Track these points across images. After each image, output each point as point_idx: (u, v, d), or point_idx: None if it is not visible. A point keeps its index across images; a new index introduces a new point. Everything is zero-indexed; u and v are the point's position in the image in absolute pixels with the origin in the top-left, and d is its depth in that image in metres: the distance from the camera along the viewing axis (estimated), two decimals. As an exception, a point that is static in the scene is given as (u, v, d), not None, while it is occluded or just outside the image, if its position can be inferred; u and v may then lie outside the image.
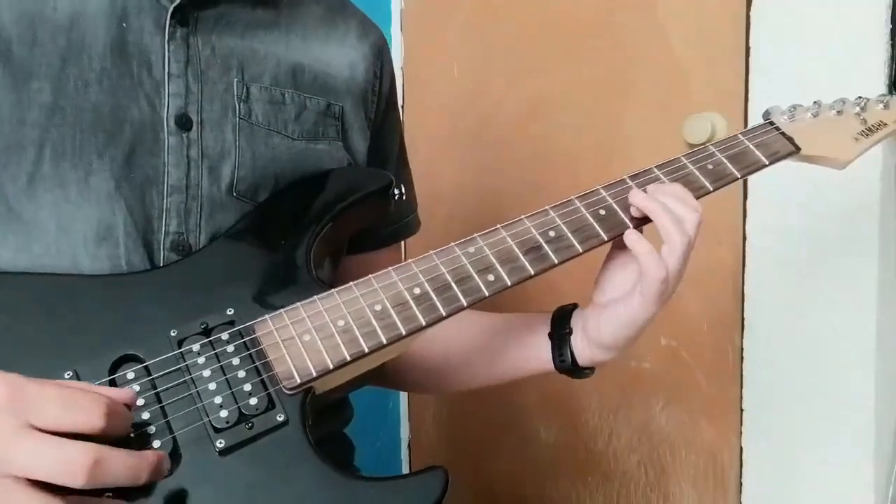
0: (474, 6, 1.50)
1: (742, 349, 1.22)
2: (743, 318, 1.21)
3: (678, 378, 1.30)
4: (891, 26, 1.05)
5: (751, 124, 0.92)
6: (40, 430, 0.45)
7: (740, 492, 1.25)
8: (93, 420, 0.47)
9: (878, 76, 1.05)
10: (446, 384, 0.84)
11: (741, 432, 1.24)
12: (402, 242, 0.89)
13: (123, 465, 0.47)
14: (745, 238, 1.20)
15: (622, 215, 0.68)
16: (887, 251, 1.12)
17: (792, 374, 1.17)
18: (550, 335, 0.74)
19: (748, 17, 1.16)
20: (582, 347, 0.72)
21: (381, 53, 0.82)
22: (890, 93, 1.05)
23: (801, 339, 1.16)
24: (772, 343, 1.19)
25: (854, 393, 1.12)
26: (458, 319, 0.66)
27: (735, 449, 1.25)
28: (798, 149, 0.74)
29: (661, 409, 1.33)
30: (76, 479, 0.44)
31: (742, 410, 1.23)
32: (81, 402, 0.47)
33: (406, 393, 1.72)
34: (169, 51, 0.66)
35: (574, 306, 0.75)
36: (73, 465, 0.44)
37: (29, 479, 0.45)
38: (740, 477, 1.25)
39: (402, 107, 1.63)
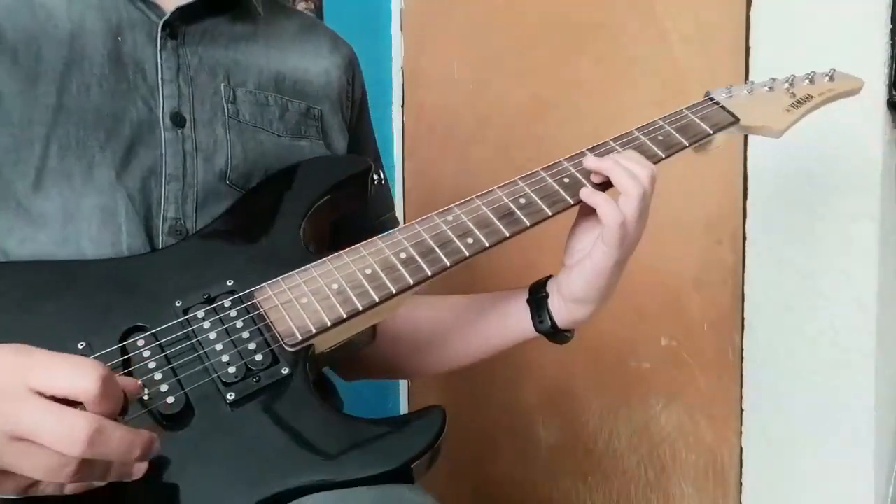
0: (474, 6, 1.50)
1: (742, 349, 1.22)
2: (743, 318, 1.21)
3: (678, 378, 1.30)
4: (891, 26, 1.05)
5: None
6: (44, 396, 0.47)
7: (740, 492, 1.25)
8: (88, 384, 0.47)
9: (879, 76, 1.05)
10: (434, 362, 0.88)
11: (741, 432, 1.24)
12: None
13: (120, 439, 0.48)
14: (745, 238, 1.20)
15: (584, 181, 0.73)
16: (887, 252, 1.12)
17: (792, 374, 1.17)
18: (528, 301, 0.79)
19: (748, 17, 1.16)
20: (559, 307, 0.77)
21: (351, 64, 0.88)
22: (890, 93, 1.05)
23: (801, 339, 1.16)
24: (772, 343, 1.19)
25: (854, 393, 1.12)
26: (442, 297, 0.70)
27: (735, 449, 1.25)
28: (737, 119, 0.80)
29: (661, 409, 1.33)
30: (75, 448, 0.46)
31: (742, 410, 1.23)
32: (83, 369, 0.48)
33: (406, 393, 1.72)
34: (161, 59, 0.72)
35: (549, 277, 0.80)
36: (75, 431, 0.46)
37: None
38: (740, 477, 1.25)
39: (402, 107, 1.63)
